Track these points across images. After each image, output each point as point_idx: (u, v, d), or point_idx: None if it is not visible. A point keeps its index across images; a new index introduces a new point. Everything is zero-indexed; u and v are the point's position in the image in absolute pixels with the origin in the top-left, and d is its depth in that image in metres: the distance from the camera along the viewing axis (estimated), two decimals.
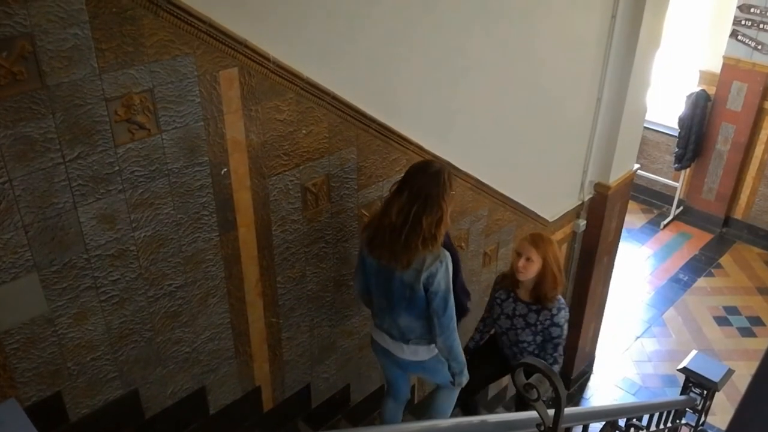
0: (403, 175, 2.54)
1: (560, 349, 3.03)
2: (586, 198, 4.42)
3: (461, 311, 2.80)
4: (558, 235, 4.37)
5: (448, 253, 2.55)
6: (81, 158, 1.94)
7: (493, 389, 4.45)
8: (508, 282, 3.12)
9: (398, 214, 2.45)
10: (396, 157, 2.93)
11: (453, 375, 2.79)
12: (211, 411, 2.74)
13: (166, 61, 2.01)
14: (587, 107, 4.05)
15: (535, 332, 3.03)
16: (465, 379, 2.83)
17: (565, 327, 3.02)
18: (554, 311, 2.98)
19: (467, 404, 3.35)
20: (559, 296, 3.03)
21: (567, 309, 3.05)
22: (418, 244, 2.44)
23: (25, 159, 1.83)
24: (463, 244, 3.58)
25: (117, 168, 2.03)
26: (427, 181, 2.45)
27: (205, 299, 2.49)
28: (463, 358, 2.75)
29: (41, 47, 1.75)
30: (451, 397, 2.99)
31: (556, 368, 2.97)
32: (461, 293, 2.88)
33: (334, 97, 2.53)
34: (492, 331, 3.36)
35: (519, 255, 2.96)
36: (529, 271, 2.93)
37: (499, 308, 3.14)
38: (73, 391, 2.23)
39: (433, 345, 2.72)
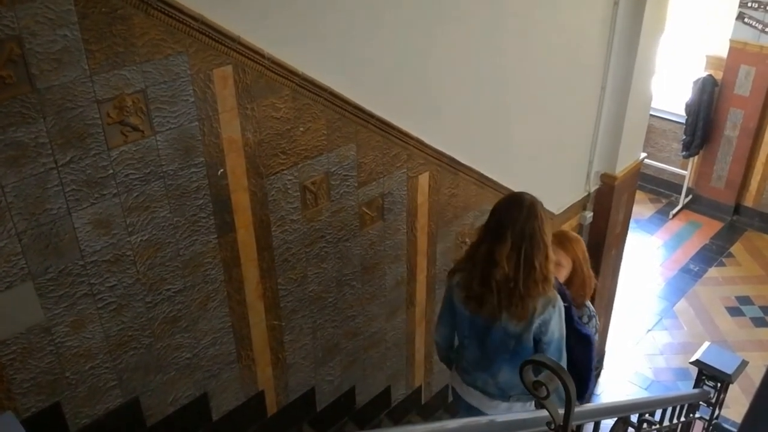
0: (493, 212, 2.36)
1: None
2: (593, 189, 4.41)
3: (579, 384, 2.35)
4: (564, 228, 4.37)
5: (559, 296, 2.37)
6: (74, 162, 1.94)
7: None
8: None
9: (509, 260, 2.26)
10: (396, 153, 2.93)
11: None
12: (214, 417, 2.74)
13: (159, 61, 2.01)
14: (591, 96, 4.04)
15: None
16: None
17: (595, 338, 2.69)
18: (585, 319, 2.71)
19: None
20: (588, 303, 2.78)
21: (596, 317, 2.80)
22: (536, 290, 2.26)
23: (16, 165, 1.83)
24: (467, 240, 3.57)
25: (111, 171, 2.03)
26: (525, 218, 2.26)
27: (204, 303, 2.49)
28: (559, 364, 2.48)
29: (30, 50, 1.75)
30: None
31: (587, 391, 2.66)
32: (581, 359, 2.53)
33: (332, 93, 2.52)
34: None
35: None
36: (560, 276, 2.65)
37: None
38: (72, 401, 2.23)
39: (530, 401, 2.52)
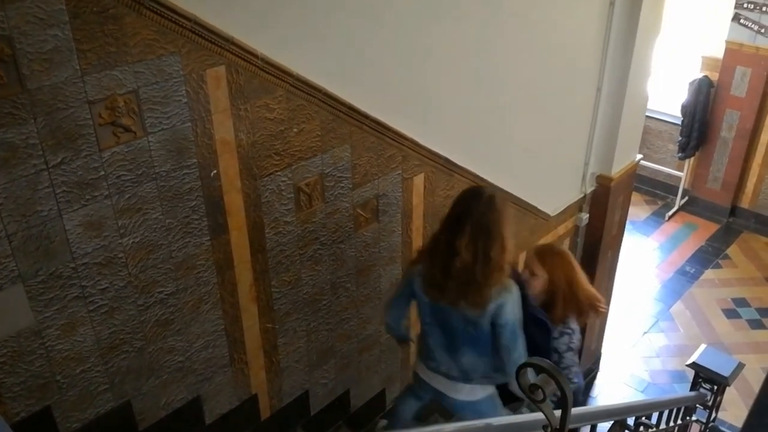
0: (454, 205, 2.48)
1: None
2: (588, 191, 4.42)
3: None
4: (560, 230, 4.38)
5: (514, 283, 2.48)
6: (65, 164, 1.93)
7: None
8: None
9: (467, 250, 2.38)
10: (391, 154, 2.93)
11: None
12: (207, 421, 2.74)
13: (151, 61, 2.00)
14: (587, 97, 4.05)
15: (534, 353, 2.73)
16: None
17: (567, 356, 2.71)
18: (555, 334, 2.70)
19: None
20: (570, 318, 2.75)
21: (576, 335, 2.75)
22: (492, 279, 2.39)
23: (6, 166, 1.82)
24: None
25: (102, 173, 2.02)
26: (484, 209, 2.39)
27: (197, 306, 2.48)
28: (555, 367, 2.57)
29: (20, 50, 1.74)
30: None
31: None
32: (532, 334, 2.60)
33: (326, 94, 2.52)
34: None
35: (524, 267, 2.82)
36: (532, 285, 2.73)
37: None
38: (62, 405, 2.22)
39: (491, 383, 2.66)
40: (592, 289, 2.83)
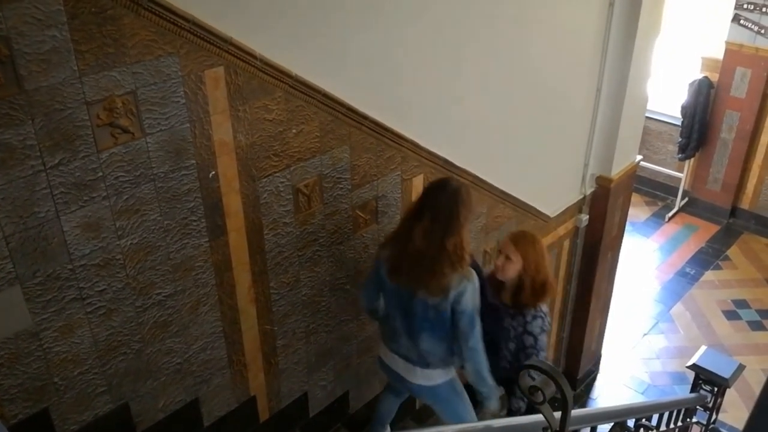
0: (421, 194, 2.55)
1: (533, 360, 2.87)
2: (588, 192, 4.42)
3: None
4: (560, 231, 4.38)
5: (474, 273, 2.55)
6: (62, 165, 1.93)
7: None
8: (492, 282, 2.95)
9: (423, 238, 2.47)
10: (390, 155, 2.93)
11: (482, 401, 2.75)
12: (205, 423, 2.74)
13: (149, 62, 2.00)
14: (587, 98, 4.05)
15: (508, 338, 2.91)
16: (494, 404, 2.77)
17: (541, 338, 2.86)
18: (528, 318, 2.85)
19: None
20: (541, 304, 2.89)
21: (547, 319, 2.90)
22: (445, 268, 2.46)
23: (4, 167, 1.82)
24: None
25: (100, 174, 2.02)
26: (446, 200, 2.46)
27: (195, 308, 2.48)
28: (492, 381, 2.70)
29: (18, 50, 1.74)
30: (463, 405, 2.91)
31: None
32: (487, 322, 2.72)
33: (325, 95, 2.52)
34: None
35: (499, 252, 2.91)
36: (507, 270, 2.84)
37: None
38: (60, 407, 2.22)
39: (449, 368, 2.73)
40: (552, 275, 3.00)
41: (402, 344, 2.74)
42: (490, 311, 2.75)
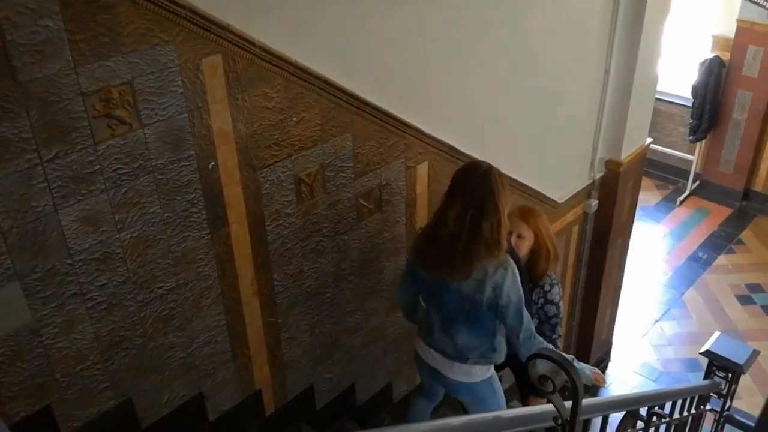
0: (451, 179, 2.52)
1: (558, 329, 2.98)
2: (597, 176, 4.41)
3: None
4: (569, 217, 4.37)
5: (512, 260, 2.50)
6: (59, 158, 1.93)
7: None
8: None
9: (456, 222, 2.42)
10: (394, 142, 2.92)
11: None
12: (210, 418, 2.75)
13: (145, 51, 2.00)
14: (595, 80, 4.03)
15: (530, 315, 2.93)
16: (587, 370, 2.75)
17: (561, 305, 2.97)
18: (546, 287, 2.93)
19: None
20: (551, 271, 2.98)
21: (559, 285, 3.01)
22: (479, 251, 2.40)
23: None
24: None
25: (98, 166, 2.02)
26: (478, 183, 2.42)
27: (198, 301, 2.49)
28: (565, 357, 2.64)
29: (11, 42, 1.73)
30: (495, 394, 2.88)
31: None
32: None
33: (326, 81, 2.51)
34: None
35: (510, 233, 2.89)
36: (522, 248, 2.88)
37: None
38: (63, 404, 2.23)
39: (489, 365, 2.70)
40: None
41: (437, 338, 2.70)
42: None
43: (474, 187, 2.42)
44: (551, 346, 2.60)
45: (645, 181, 6.18)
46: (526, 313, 2.53)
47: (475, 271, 2.44)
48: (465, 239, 2.41)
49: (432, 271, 2.55)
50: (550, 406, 1.83)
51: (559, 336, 3.02)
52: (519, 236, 2.88)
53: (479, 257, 2.41)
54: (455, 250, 2.43)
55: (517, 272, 2.49)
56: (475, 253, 2.41)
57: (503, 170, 3.51)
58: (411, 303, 2.82)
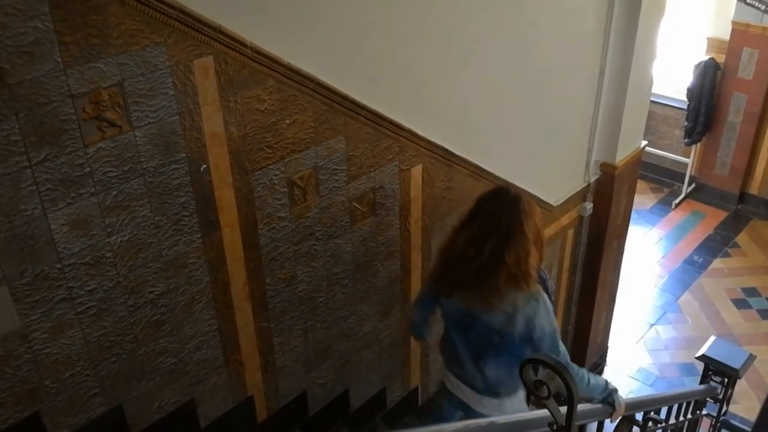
0: (474, 202, 2.41)
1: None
2: (592, 179, 4.42)
3: None
4: (563, 221, 4.38)
5: (541, 288, 2.38)
6: (48, 161, 1.92)
7: None
8: None
9: (467, 244, 2.31)
10: (387, 145, 2.93)
11: (611, 402, 2.56)
12: (201, 424, 2.74)
13: (136, 52, 1.99)
14: (589, 82, 4.04)
15: None
16: (619, 399, 2.57)
17: (552, 298, 2.88)
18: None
19: None
20: (542, 267, 2.89)
21: (550, 280, 2.94)
22: (503, 282, 2.26)
23: None
24: None
25: (88, 169, 2.01)
26: (501, 208, 2.29)
27: (189, 306, 2.48)
28: (601, 380, 2.53)
29: (0, 43, 1.73)
30: None
31: None
32: None
33: (319, 83, 2.51)
34: None
35: None
36: None
37: None
38: (52, 410, 2.22)
39: (518, 397, 2.60)
40: None
41: (467, 371, 2.57)
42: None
43: (498, 213, 2.28)
44: (587, 374, 2.45)
45: (640, 184, 6.21)
46: (561, 344, 2.42)
47: (504, 303, 2.31)
48: (481, 267, 2.28)
49: (457, 299, 2.45)
50: (545, 412, 1.83)
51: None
52: None
53: (500, 289, 2.28)
54: (479, 280, 2.30)
55: (549, 303, 2.38)
56: (500, 283, 2.27)
57: (497, 173, 3.56)
58: (422, 323, 2.75)
